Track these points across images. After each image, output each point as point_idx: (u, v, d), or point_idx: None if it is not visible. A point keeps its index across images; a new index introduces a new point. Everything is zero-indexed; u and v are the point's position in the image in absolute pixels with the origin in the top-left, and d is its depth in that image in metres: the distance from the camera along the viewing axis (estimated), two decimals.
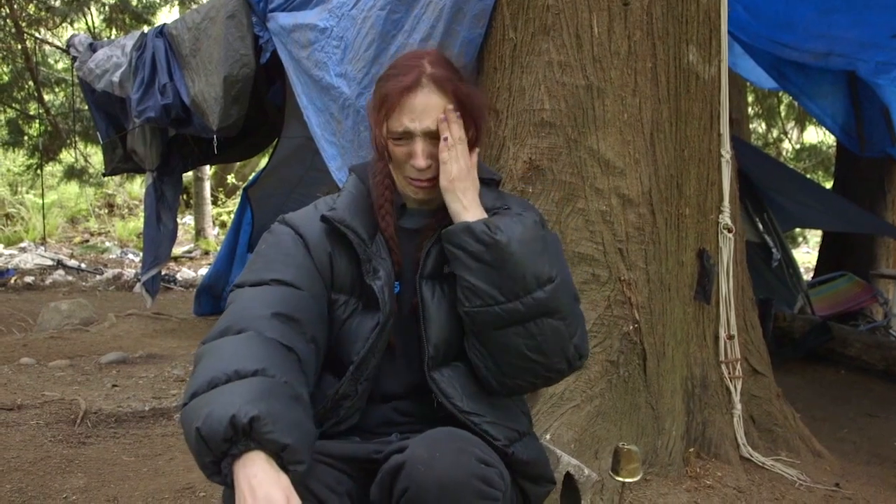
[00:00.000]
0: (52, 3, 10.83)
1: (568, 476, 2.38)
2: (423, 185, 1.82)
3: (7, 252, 12.80)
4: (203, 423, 1.42)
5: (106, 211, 17.90)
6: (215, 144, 5.55)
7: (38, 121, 11.88)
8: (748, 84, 9.04)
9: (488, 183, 1.93)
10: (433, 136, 1.77)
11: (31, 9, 11.10)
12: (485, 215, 1.77)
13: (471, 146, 1.86)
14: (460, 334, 1.82)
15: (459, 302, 1.76)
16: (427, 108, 1.76)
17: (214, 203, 17.70)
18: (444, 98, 1.78)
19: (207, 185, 16.07)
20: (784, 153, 13.49)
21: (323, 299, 1.82)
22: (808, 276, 8.78)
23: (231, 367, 1.52)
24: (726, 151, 3.43)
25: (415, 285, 1.84)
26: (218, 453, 1.43)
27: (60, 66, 12.99)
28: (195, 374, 1.57)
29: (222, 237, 12.11)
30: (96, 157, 12.34)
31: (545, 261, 1.73)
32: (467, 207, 1.76)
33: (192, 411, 1.48)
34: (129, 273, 11.15)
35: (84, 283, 10.68)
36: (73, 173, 13.01)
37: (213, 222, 16.71)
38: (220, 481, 1.47)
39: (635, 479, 2.09)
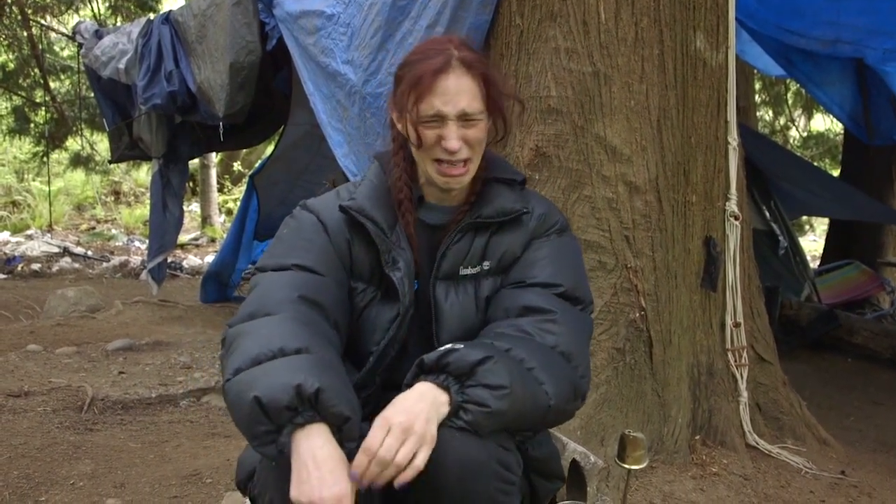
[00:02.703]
0: None
1: (574, 463, 2.38)
2: (453, 171, 1.77)
3: (14, 239, 12.82)
4: (264, 392, 1.41)
5: (112, 198, 17.92)
6: (221, 132, 5.54)
7: (44, 108, 11.88)
8: (755, 71, 9.01)
9: (510, 183, 1.90)
10: (465, 119, 1.74)
11: None
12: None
13: (497, 137, 1.86)
14: (473, 336, 1.79)
15: None
16: (459, 90, 1.73)
17: (220, 190, 17.70)
18: (474, 81, 1.75)
19: (213, 173, 16.06)
20: (791, 141, 13.46)
21: (344, 286, 1.82)
22: (814, 265, 8.75)
23: (275, 345, 1.52)
24: (733, 139, 3.42)
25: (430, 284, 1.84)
26: (280, 421, 1.42)
27: (66, 53, 12.97)
28: (234, 352, 1.56)
29: (228, 224, 12.11)
30: (102, 144, 12.34)
31: (539, 403, 1.62)
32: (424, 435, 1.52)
33: (242, 383, 1.47)
34: (136, 260, 11.15)
35: (90, 271, 10.69)
36: (79, 161, 13.01)
37: (220, 210, 16.71)
38: (270, 452, 1.45)
39: (641, 467, 2.09)
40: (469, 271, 1.83)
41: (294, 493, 1.40)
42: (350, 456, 1.45)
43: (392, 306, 1.80)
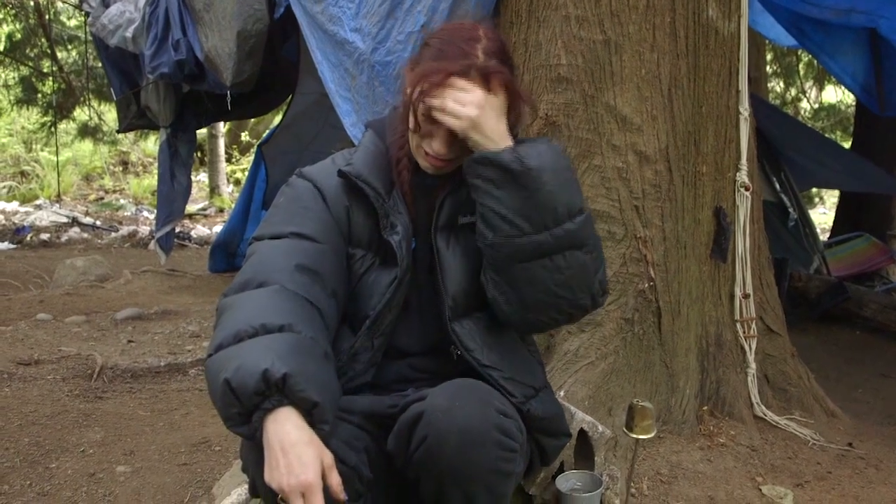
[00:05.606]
0: None
1: (582, 433, 2.38)
2: (436, 163, 1.77)
3: (23, 209, 12.84)
4: (233, 375, 1.42)
5: (120, 168, 17.93)
6: (229, 101, 5.51)
7: (51, 78, 11.86)
8: (767, 42, 8.91)
9: None
10: None
11: None
12: (510, 143, 1.69)
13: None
14: (478, 285, 1.80)
15: (481, 235, 1.71)
16: None
17: (229, 160, 17.67)
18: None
19: (222, 143, 16.03)
20: (802, 112, 13.36)
21: (342, 253, 1.81)
22: (824, 237, 8.72)
23: (257, 321, 1.51)
24: (744, 109, 3.38)
25: (429, 240, 1.83)
26: (249, 406, 1.42)
27: (73, 22, 12.94)
28: (220, 326, 1.56)
29: (237, 194, 12.11)
30: (110, 114, 12.36)
31: (576, 190, 1.71)
32: (490, 137, 1.66)
33: (219, 362, 1.47)
34: (144, 230, 11.18)
35: (99, 241, 10.72)
36: (87, 131, 13.02)
37: (228, 179, 16.71)
38: (244, 433, 1.47)
39: (649, 436, 2.10)
40: (468, 219, 1.82)
41: (266, 477, 1.42)
42: (322, 437, 1.46)
43: (390, 270, 1.80)
